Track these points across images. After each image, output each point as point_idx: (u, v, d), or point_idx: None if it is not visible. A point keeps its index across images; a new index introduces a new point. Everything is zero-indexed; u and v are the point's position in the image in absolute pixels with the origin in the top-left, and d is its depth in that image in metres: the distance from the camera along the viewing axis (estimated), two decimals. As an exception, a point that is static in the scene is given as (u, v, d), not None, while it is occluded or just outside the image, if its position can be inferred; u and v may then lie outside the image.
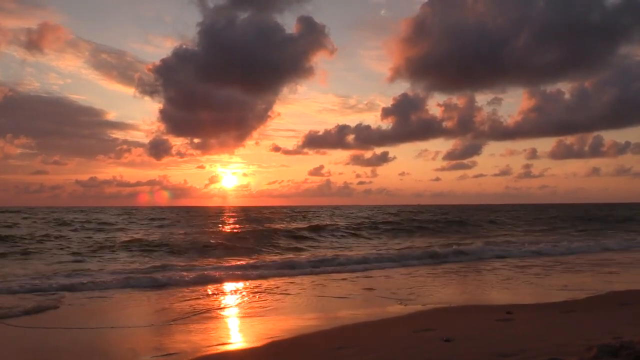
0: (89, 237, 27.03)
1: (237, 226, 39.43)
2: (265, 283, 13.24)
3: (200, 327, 8.13)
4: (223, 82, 71.26)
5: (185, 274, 14.14)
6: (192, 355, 6.38)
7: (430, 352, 5.59)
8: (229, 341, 7.27)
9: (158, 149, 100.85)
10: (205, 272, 14.53)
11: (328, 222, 40.24)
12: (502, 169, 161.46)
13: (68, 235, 28.50)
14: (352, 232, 32.39)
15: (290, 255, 20.49)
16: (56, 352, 6.91)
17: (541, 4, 62.13)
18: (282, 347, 6.71)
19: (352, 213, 67.65)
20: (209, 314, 9.30)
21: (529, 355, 5.01)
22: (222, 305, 10.27)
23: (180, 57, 65.07)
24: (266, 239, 26.59)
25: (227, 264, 17.17)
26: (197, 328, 8.02)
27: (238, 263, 17.57)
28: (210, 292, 11.81)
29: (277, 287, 12.49)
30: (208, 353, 6.51)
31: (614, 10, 59.53)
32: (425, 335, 6.54)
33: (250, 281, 13.64)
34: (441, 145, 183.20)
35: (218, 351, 6.65)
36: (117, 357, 6.51)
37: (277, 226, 36.43)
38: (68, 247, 22.15)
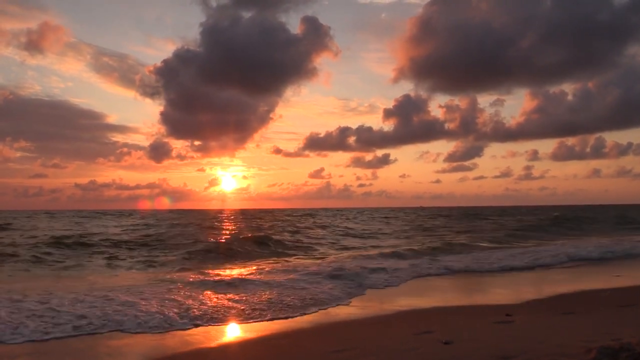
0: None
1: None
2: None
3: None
4: (225, 83, 71.18)
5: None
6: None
7: (430, 355, 5.55)
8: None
9: (158, 151, 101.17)
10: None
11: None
12: (502, 171, 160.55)
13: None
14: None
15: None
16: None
17: (546, 4, 62.01)
18: (275, 349, 6.67)
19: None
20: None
21: (529, 357, 4.98)
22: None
23: (181, 58, 64.88)
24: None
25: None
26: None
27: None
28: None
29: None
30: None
31: (621, 10, 59.18)
32: (425, 338, 6.50)
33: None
34: (442, 147, 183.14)
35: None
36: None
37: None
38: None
